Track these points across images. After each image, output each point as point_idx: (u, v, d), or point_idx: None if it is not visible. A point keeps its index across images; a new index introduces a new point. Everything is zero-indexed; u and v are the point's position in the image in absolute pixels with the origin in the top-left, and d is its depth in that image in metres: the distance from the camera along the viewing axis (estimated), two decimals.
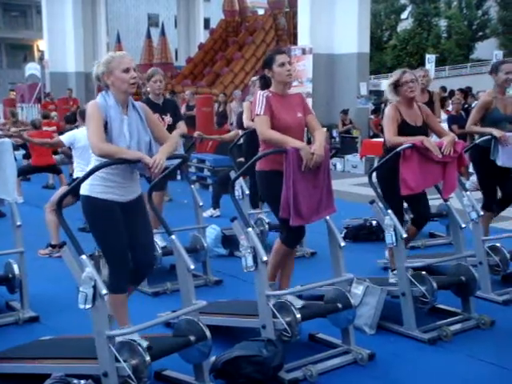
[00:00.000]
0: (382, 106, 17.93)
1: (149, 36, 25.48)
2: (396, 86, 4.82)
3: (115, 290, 3.57)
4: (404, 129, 4.77)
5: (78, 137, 6.29)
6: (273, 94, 4.15)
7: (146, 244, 3.69)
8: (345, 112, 15.17)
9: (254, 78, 7.34)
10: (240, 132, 7.45)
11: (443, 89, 17.56)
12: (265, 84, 4.24)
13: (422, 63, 32.73)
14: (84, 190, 3.55)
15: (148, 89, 6.09)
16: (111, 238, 3.52)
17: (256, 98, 4.13)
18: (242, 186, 6.28)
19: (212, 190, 9.18)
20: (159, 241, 5.67)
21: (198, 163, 11.63)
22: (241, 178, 6.02)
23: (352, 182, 11.47)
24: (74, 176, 6.43)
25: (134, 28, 46.35)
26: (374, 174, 4.88)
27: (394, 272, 4.77)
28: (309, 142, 4.14)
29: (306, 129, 4.33)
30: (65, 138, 6.42)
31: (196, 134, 7.70)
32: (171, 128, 5.97)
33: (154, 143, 3.63)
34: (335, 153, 4.66)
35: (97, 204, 3.51)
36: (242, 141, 7.17)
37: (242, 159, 7.26)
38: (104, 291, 3.19)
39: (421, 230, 5.03)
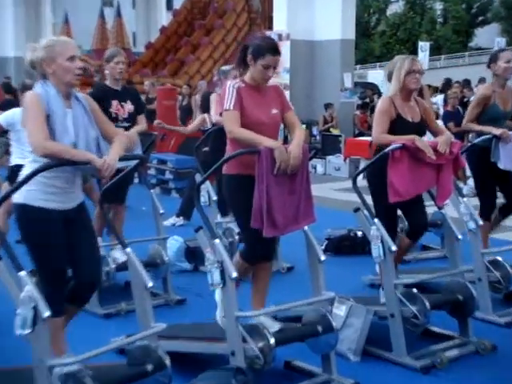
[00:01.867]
0: (369, 100, 18.04)
1: (102, 17, 25.33)
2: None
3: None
4: (399, 125, 4.77)
5: (17, 118, 6.16)
6: (246, 85, 4.14)
7: (90, 258, 3.66)
8: (329, 106, 15.15)
9: (226, 68, 7.22)
10: (206, 116, 7.42)
11: (447, 81, 17.58)
12: (242, 60, 4.18)
13: (414, 51, 32.94)
14: (19, 196, 3.46)
15: (106, 72, 6.02)
16: (48, 253, 3.48)
17: (225, 90, 4.10)
18: (208, 191, 6.24)
19: (183, 197, 9.07)
20: (119, 254, 5.56)
21: (158, 164, 11.55)
22: (207, 182, 5.99)
23: (334, 187, 11.52)
24: (13, 163, 6.29)
25: (84, 7, 45.90)
26: (360, 178, 4.90)
27: None
28: (285, 142, 4.15)
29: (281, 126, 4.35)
30: (2, 119, 6.28)
31: (156, 122, 7.62)
32: (133, 117, 5.97)
33: (102, 140, 3.63)
34: (315, 153, 4.70)
35: (34, 213, 3.46)
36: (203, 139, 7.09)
37: (206, 148, 7.20)
38: (46, 313, 3.15)
39: (416, 241, 5.04)
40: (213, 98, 7.25)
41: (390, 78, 4.91)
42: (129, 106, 5.91)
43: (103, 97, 5.60)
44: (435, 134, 4.93)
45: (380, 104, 4.86)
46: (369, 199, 4.79)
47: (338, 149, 13.99)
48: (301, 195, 4.02)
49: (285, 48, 15.46)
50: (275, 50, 4.13)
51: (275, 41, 4.38)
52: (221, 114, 4.18)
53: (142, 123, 6.09)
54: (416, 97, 4.96)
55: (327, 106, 15.25)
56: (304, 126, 14.49)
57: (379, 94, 19.75)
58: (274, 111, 4.19)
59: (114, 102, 5.82)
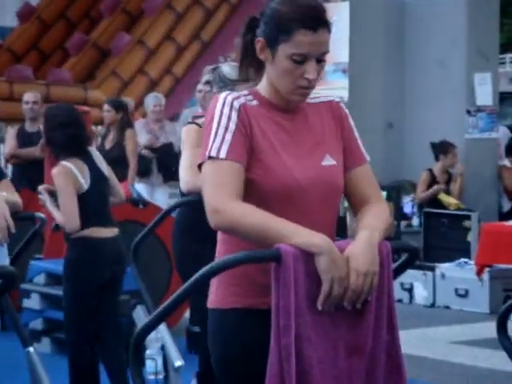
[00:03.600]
0: None
1: None
2: None
3: None
4: None
5: None
6: (260, 104, 2.77)
7: None
8: (447, 149, 9.63)
9: (229, 68, 4.66)
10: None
11: None
12: (248, 51, 2.76)
13: None
14: None
15: None
16: None
17: (213, 112, 2.74)
18: (165, 347, 4.46)
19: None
20: None
21: (47, 285, 7.52)
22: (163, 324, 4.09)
23: (458, 337, 8.60)
24: None
25: None
26: None
27: None
28: (341, 230, 2.99)
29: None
30: None
31: (42, 189, 5.34)
32: None
33: None
34: (410, 259, 3.00)
35: None
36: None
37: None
38: None
39: None
40: (185, 130, 5.06)
41: None
42: None
43: None
44: None
45: None
46: None
47: (463, 247, 10.23)
48: (376, 357, 2.75)
49: (339, 16, 9.71)
50: (317, 20, 2.65)
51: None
52: (199, 168, 2.71)
53: (9, 193, 4.18)
54: None
55: (440, 148, 9.82)
56: (384, 194, 9.75)
57: None
58: (329, 161, 2.82)
59: None
